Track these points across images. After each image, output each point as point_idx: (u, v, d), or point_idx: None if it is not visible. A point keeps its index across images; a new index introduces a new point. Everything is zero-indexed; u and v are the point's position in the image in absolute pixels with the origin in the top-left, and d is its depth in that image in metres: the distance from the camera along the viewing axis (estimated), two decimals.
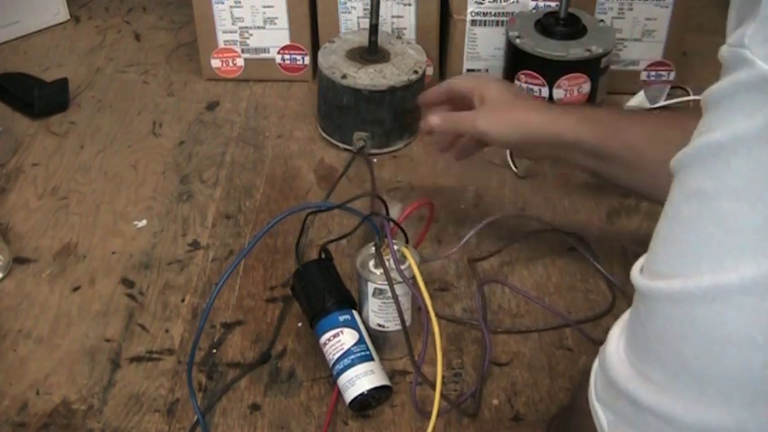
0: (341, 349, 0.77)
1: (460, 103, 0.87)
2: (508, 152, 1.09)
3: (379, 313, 0.80)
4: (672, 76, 1.21)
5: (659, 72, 1.21)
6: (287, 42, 1.23)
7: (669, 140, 0.66)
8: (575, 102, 1.06)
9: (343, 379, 0.76)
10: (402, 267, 0.76)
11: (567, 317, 0.86)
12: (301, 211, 0.94)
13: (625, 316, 0.50)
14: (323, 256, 0.87)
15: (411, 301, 0.80)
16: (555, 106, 0.82)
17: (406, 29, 1.20)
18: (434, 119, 0.85)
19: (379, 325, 0.81)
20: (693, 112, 0.71)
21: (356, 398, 0.75)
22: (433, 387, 0.71)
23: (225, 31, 1.22)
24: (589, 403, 0.50)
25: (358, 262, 0.80)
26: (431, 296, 0.74)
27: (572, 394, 0.65)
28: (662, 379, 0.43)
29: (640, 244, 0.98)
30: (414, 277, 0.75)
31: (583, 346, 0.84)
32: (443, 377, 0.72)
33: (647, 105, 0.99)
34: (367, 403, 0.77)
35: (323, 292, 0.81)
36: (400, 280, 0.76)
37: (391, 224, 0.78)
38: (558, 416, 0.72)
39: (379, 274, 0.78)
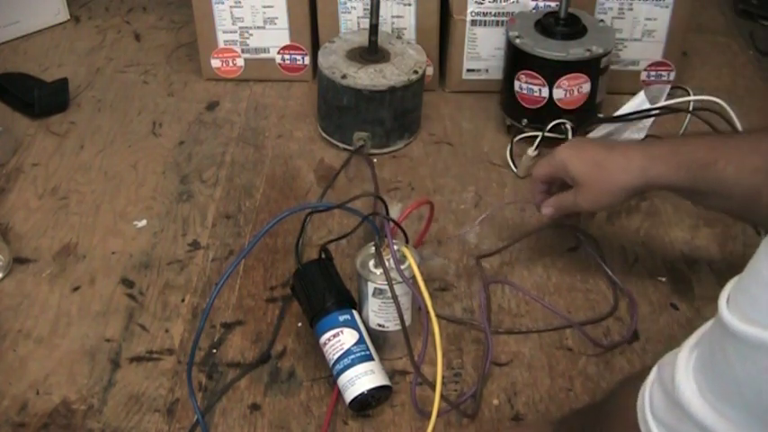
0: (341, 349, 0.77)
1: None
2: (508, 152, 1.10)
3: (379, 313, 0.80)
4: (672, 76, 1.21)
5: (659, 72, 1.21)
6: (287, 42, 1.23)
7: (756, 169, 0.71)
8: (575, 101, 1.06)
9: (343, 379, 0.76)
10: (402, 267, 0.76)
11: (570, 318, 0.86)
12: (301, 212, 0.94)
13: (692, 339, 0.50)
14: (323, 256, 0.87)
15: (411, 300, 0.80)
16: (638, 154, 0.79)
17: (406, 29, 1.20)
18: (547, 210, 0.89)
19: (379, 325, 0.81)
20: None
21: (356, 398, 0.75)
22: (433, 387, 0.71)
23: (225, 31, 1.22)
24: (637, 416, 0.51)
25: (358, 262, 0.80)
26: (431, 296, 0.74)
27: (603, 399, 0.64)
28: (742, 421, 0.43)
29: (640, 244, 0.98)
30: (413, 277, 0.75)
31: (583, 346, 0.84)
32: (443, 377, 0.71)
33: (647, 105, 0.99)
34: (367, 403, 0.77)
35: (323, 292, 0.81)
36: (400, 280, 0.76)
37: (391, 224, 0.78)
38: (569, 418, 0.71)
39: (379, 273, 0.78)
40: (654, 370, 0.52)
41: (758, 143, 0.74)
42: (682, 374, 0.48)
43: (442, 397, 0.71)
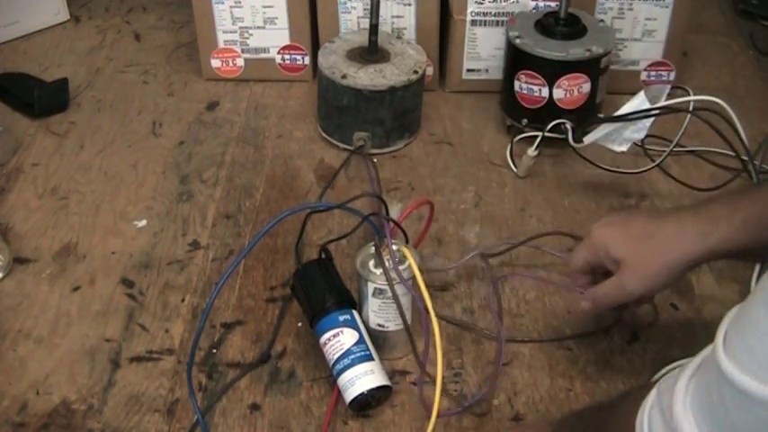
0: (341, 349, 0.77)
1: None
2: (508, 152, 1.09)
3: (379, 313, 0.80)
4: (672, 76, 1.21)
5: (659, 72, 1.21)
6: (287, 42, 1.23)
7: None
8: (575, 101, 1.06)
9: (343, 379, 0.76)
10: (402, 267, 0.76)
11: (578, 288, 0.83)
12: (301, 212, 0.94)
13: (690, 367, 0.49)
14: (323, 256, 0.87)
15: (411, 300, 0.80)
16: (693, 218, 0.69)
17: (406, 29, 1.20)
18: (587, 305, 0.77)
19: (379, 325, 0.81)
20: None
21: (356, 398, 0.75)
22: (442, 387, 0.70)
23: (225, 31, 1.22)
24: None
25: (358, 262, 0.80)
26: (431, 296, 0.74)
27: (603, 409, 0.63)
28: None
29: None
30: (413, 277, 0.75)
31: (583, 346, 0.84)
32: (443, 377, 0.71)
33: (647, 105, 0.99)
34: (367, 403, 0.77)
35: (323, 292, 0.81)
36: (399, 280, 0.76)
37: (391, 224, 0.78)
38: (569, 419, 0.71)
39: (379, 273, 0.78)
40: (653, 393, 0.51)
41: None
42: (679, 407, 0.47)
43: (448, 397, 0.71)
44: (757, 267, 0.85)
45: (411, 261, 0.76)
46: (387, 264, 0.76)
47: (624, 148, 0.99)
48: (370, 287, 0.79)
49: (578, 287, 0.78)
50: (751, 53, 1.33)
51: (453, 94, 1.23)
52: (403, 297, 0.77)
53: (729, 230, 0.67)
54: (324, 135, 1.13)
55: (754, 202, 0.67)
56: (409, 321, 0.81)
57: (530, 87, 1.07)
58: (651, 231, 0.70)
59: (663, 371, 0.73)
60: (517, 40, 1.06)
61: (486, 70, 1.21)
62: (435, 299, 0.85)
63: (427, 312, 0.73)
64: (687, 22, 1.19)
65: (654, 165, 1.02)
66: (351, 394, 0.76)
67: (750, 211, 0.66)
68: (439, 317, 0.77)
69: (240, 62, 1.25)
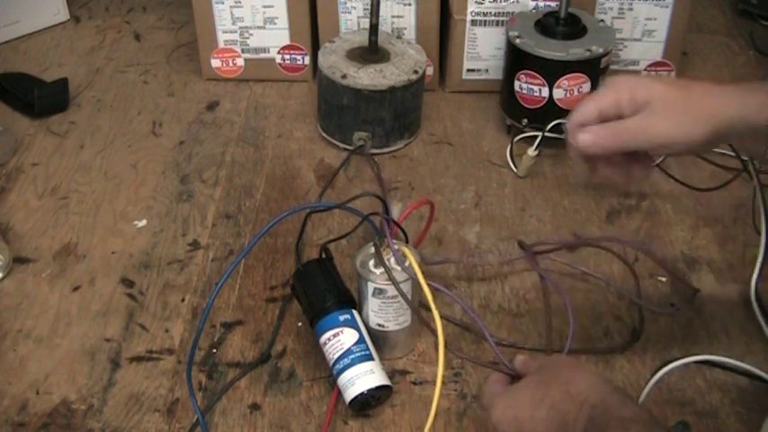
0: (341, 349, 0.77)
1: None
2: (508, 152, 1.09)
3: (379, 313, 0.80)
4: (672, 76, 1.21)
5: (659, 72, 1.21)
6: (287, 42, 1.23)
7: None
8: (575, 101, 1.06)
9: (343, 378, 0.76)
10: (402, 267, 0.76)
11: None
12: (301, 211, 0.94)
13: None
14: (323, 255, 0.87)
15: (412, 300, 0.80)
16: (735, 89, 0.64)
17: (406, 29, 1.20)
18: (586, 137, 0.67)
19: (379, 325, 0.81)
20: None
21: (356, 397, 0.75)
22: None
23: (225, 31, 1.22)
24: None
25: (358, 262, 0.80)
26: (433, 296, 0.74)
27: None
28: None
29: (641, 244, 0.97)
30: (414, 276, 0.75)
31: (582, 346, 0.84)
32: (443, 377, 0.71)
33: None
34: (367, 403, 0.77)
35: (323, 291, 0.81)
36: (401, 279, 0.76)
37: (391, 224, 0.78)
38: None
39: (379, 273, 0.78)
40: None
41: None
42: None
43: (448, 397, 0.71)
44: (757, 269, 0.85)
45: (411, 260, 0.76)
46: (387, 263, 0.76)
47: None
48: (370, 287, 0.79)
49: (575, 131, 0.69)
50: (751, 53, 1.33)
51: (453, 94, 1.23)
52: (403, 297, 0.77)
53: (765, 99, 0.63)
54: (324, 135, 1.13)
55: None
56: (409, 322, 0.81)
57: (530, 87, 1.07)
58: (687, 84, 0.65)
59: (663, 371, 0.73)
60: (517, 40, 1.06)
61: (486, 70, 1.21)
62: (435, 299, 0.85)
63: (430, 310, 0.73)
64: (687, 22, 1.19)
65: (654, 165, 1.02)
66: (351, 394, 0.76)
67: None
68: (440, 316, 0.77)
69: (240, 62, 1.25)
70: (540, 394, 0.64)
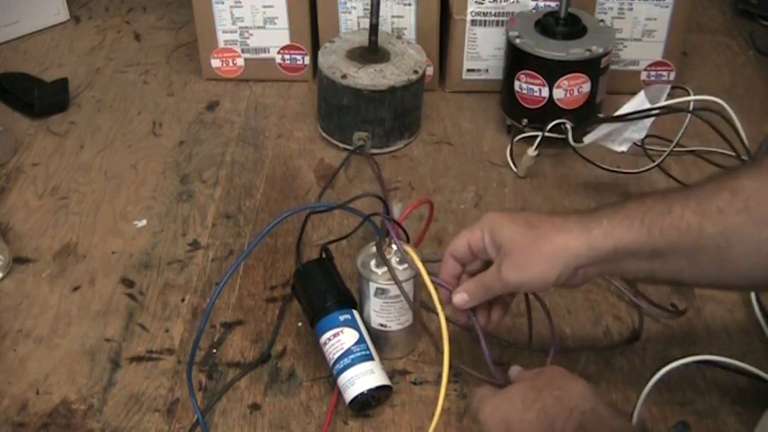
0: (341, 349, 0.77)
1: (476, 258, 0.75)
2: (508, 152, 1.09)
3: (381, 313, 0.80)
4: (672, 76, 1.21)
5: (659, 72, 1.21)
6: (287, 42, 1.23)
7: (721, 210, 0.60)
8: (575, 101, 1.06)
9: (342, 378, 0.76)
10: (403, 266, 0.76)
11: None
12: (301, 212, 0.94)
13: None
14: (323, 255, 0.87)
15: (414, 300, 0.80)
16: (580, 214, 0.68)
17: (406, 29, 1.20)
18: (460, 297, 0.72)
19: (381, 325, 0.81)
20: (733, 171, 0.65)
21: (356, 397, 0.75)
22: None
23: (225, 31, 1.22)
24: None
25: (359, 262, 0.80)
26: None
27: None
28: None
29: None
30: (418, 275, 0.75)
31: (582, 346, 0.84)
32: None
33: (647, 105, 0.99)
34: (367, 403, 0.77)
35: (323, 291, 0.81)
36: (403, 279, 0.76)
37: (392, 224, 0.78)
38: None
39: (380, 273, 0.78)
40: None
41: (718, 184, 0.63)
42: None
43: (447, 397, 0.71)
44: None
45: (415, 258, 0.75)
46: (390, 263, 0.76)
47: (624, 148, 0.99)
48: (372, 287, 0.79)
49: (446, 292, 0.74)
50: (751, 53, 1.33)
51: (453, 94, 1.23)
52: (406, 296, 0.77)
53: (611, 225, 0.65)
54: (324, 135, 1.13)
55: (640, 202, 0.65)
56: (410, 322, 0.81)
57: (530, 87, 1.07)
58: (536, 222, 0.68)
59: (663, 371, 0.73)
60: (517, 40, 1.06)
61: (486, 70, 1.21)
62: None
63: (435, 309, 0.72)
64: (687, 22, 1.19)
65: (654, 165, 1.02)
66: (351, 394, 0.76)
67: (635, 209, 0.65)
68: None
69: (240, 62, 1.25)
70: (531, 397, 0.64)
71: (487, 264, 0.73)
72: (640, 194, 0.68)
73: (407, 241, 0.82)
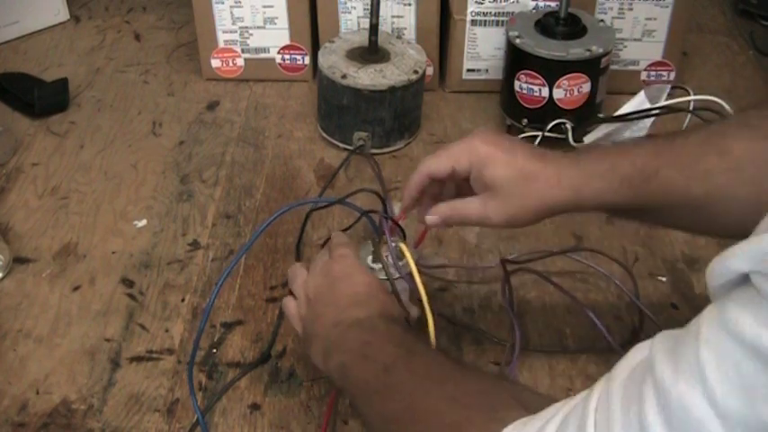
0: None
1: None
2: None
3: None
4: (672, 76, 1.21)
5: (659, 72, 1.22)
6: (287, 42, 1.23)
7: (708, 172, 0.61)
8: (575, 101, 1.06)
9: None
10: (400, 264, 0.76)
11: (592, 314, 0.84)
12: (301, 209, 0.94)
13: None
14: None
15: (410, 298, 0.80)
16: (572, 170, 0.68)
17: (406, 29, 1.20)
18: (433, 218, 0.73)
19: None
20: (721, 130, 0.65)
21: None
22: None
23: (225, 31, 1.22)
24: None
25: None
26: (430, 295, 0.73)
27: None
28: None
29: (640, 244, 0.98)
30: (410, 273, 0.75)
31: (582, 346, 0.84)
32: None
33: (647, 105, 0.99)
34: None
35: None
36: (397, 275, 0.76)
37: (389, 222, 0.78)
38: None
39: (377, 270, 0.78)
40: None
41: (707, 143, 0.64)
42: None
43: None
44: None
45: (408, 257, 0.75)
46: (386, 260, 0.76)
47: None
48: None
49: (407, 204, 0.75)
50: (751, 53, 1.33)
51: (453, 94, 1.23)
52: (402, 294, 0.77)
53: (602, 186, 0.66)
54: (324, 135, 1.13)
55: (632, 161, 0.66)
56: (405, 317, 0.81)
57: (530, 87, 1.07)
58: (533, 171, 0.68)
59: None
60: (517, 40, 1.06)
61: (486, 70, 1.21)
62: (435, 299, 0.85)
63: (422, 306, 0.72)
64: (687, 22, 1.19)
65: None
66: None
67: (626, 169, 0.66)
68: (439, 316, 0.77)
69: (240, 62, 1.25)
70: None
71: (458, 187, 0.73)
72: (635, 147, 0.68)
73: (404, 239, 0.82)
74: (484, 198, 0.70)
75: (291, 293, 0.76)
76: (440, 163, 0.72)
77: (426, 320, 0.72)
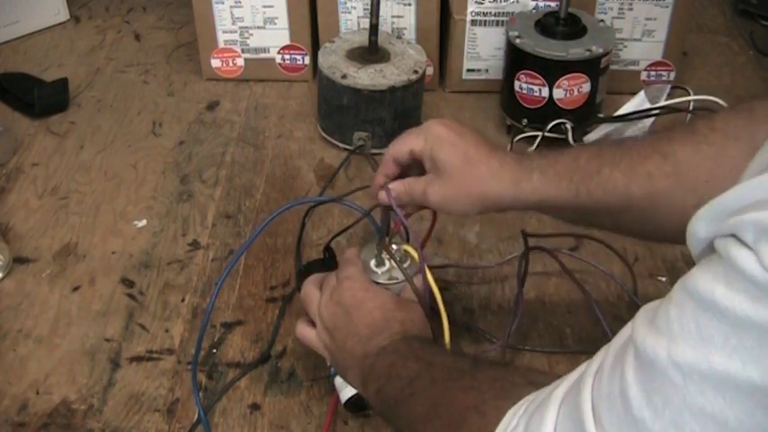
0: None
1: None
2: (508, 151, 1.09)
3: None
4: (672, 76, 1.21)
5: (659, 72, 1.21)
6: (287, 42, 1.23)
7: (650, 174, 0.62)
8: (575, 101, 1.06)
9: (339, 378, 0.76)
10: (405, 265, 0.75)
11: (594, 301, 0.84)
12: (301, 208, 0.93)
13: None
14: (326, 255, 0.86)
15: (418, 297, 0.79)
16: (513, 163, 0.69)
17: (406, 29, 1.20)
18: (381, 193, 0.74)
19: None
20: (668, 135, 0.66)
21: (351, 398, 0.75)
22: None
23: (225, 31, 1.22)
24: None
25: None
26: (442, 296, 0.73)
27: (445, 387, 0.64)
28: None
29: (640, 244, 0.98)
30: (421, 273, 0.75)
31: (582, 346, 0.84)
32: None
33: (647, 105, 0.99)
34: (363, 404, 0.76)
35: None
36: (403, 276, 0.76)
37: (393, 222, 0.77)
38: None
39: (380, 273, 0.78)
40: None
41: (652, 147, 0.65)
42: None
43: None
44: None
45: (416, 257, 0.75)
46: (396, 259, 0.76)
47: None
48: None
49: (378, 185, 0.76)
50: (751, 53, 1.33)
51: (453, 94, 1.23)
52: (403, 291, 0.77)
53: (542, 181, 0.67)
54: (324, 135, 1.13)
55: (573, 159, 0.67)
56: None
57: (530, 87, 1.07)
58: (474, 158, 0.70)
59: None
60: (517, 40, 1.06)
61: (486, 70, 1.21)
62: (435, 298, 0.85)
63: (436, 305, 0.72)
64: (687, 22, 1.19)
65: None
66: (346, 395, 0.75)
67: (566, 166, 0.67)
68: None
69: (240, 62, 1.25)
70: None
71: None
72: (579, 148, 0.69)
73: (407, 239, 0.82)
74: (430, 177, 0.72)
75: (302, 317, 0.77)
76: (400, 146, 0.74)
77: (442, 324, 0.71)
